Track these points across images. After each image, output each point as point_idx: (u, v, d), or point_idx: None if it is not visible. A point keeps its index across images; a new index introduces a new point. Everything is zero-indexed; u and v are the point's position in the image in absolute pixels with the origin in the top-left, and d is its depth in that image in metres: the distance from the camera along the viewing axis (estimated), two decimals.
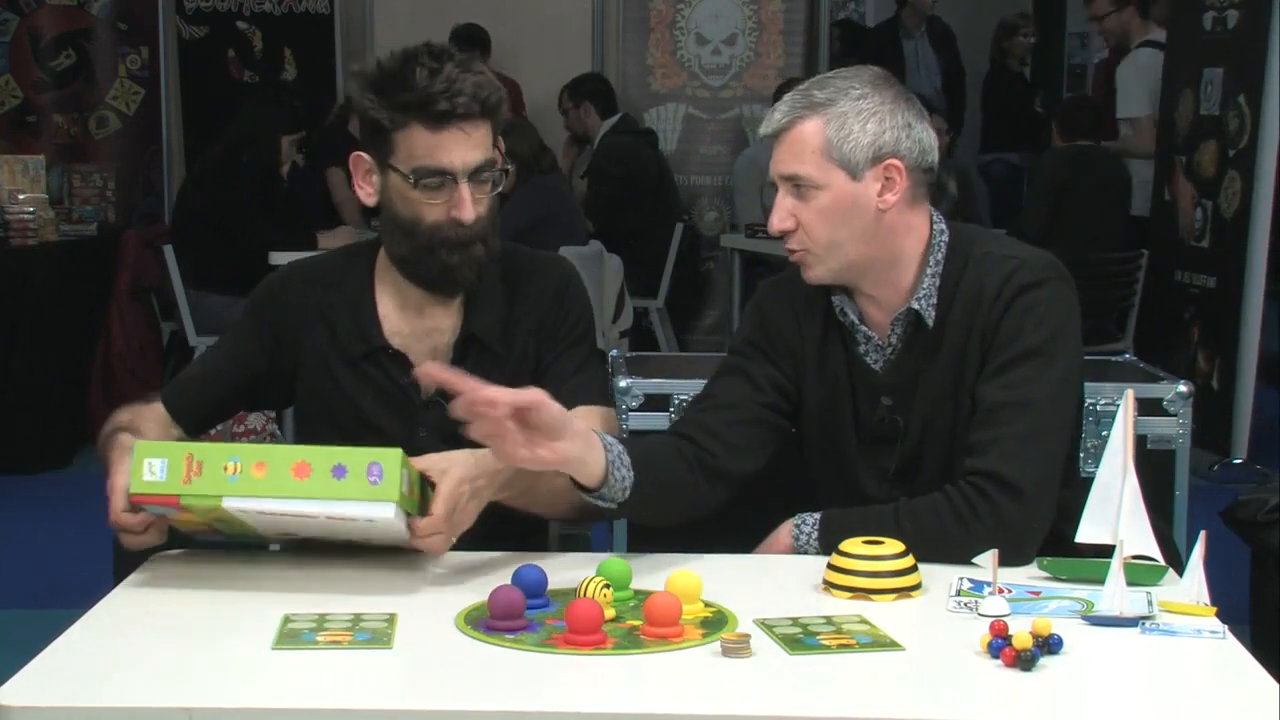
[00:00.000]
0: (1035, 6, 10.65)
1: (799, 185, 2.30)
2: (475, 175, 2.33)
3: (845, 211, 2.29)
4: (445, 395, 2.43)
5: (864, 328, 2.39)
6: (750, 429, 2.38)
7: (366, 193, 2.42)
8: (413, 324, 2.45)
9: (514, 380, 2.44)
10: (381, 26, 7.83)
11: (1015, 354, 2.27)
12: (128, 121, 7.60)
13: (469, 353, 2.44)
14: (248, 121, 6.44)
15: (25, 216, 6.36)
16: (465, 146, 2.31)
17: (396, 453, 2.05)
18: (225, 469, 2.04)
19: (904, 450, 2.37)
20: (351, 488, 2.02)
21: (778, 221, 2.32)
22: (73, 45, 7.51)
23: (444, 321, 2.45)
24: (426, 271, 2.40)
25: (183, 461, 2.05)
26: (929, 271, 2.34)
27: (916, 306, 2.34)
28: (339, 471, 2.03)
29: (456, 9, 7.53)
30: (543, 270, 2.53)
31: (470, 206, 2.33)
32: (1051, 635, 1.81)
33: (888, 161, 2.29)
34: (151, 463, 2.05)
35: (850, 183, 2.29)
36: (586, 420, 2.34)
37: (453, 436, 2.25)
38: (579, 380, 2.45)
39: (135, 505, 2.09)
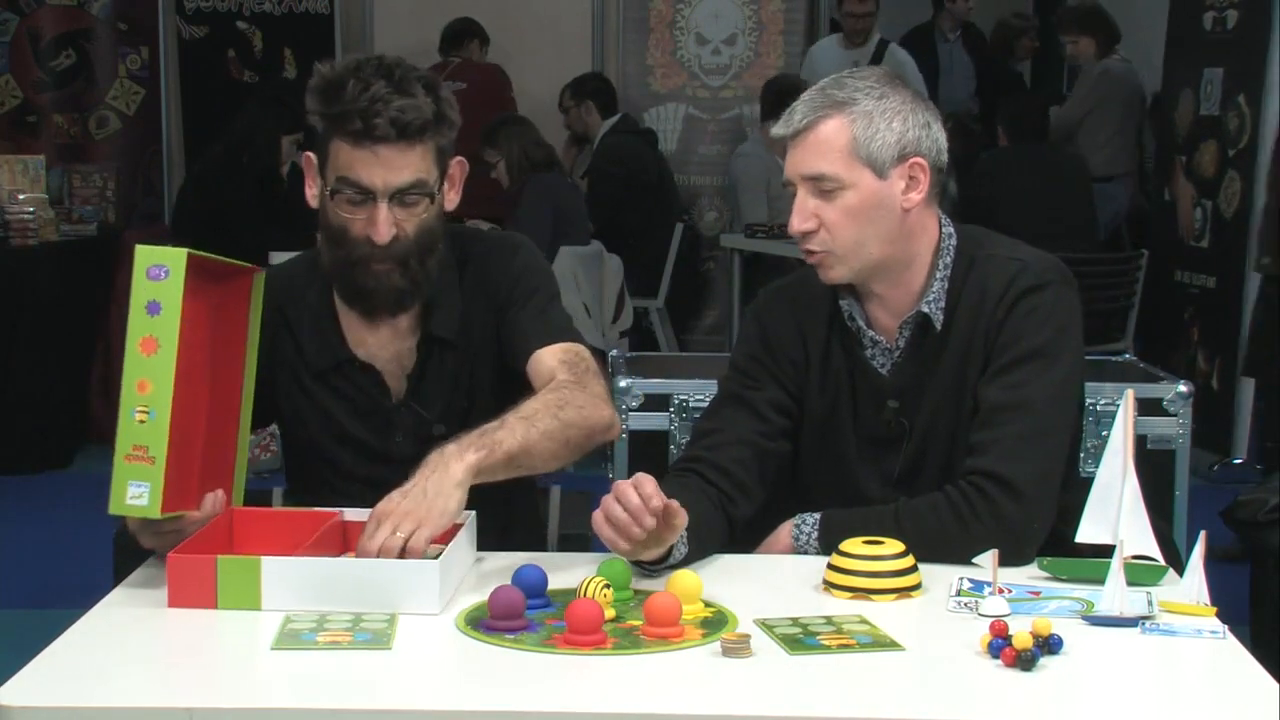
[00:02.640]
0: (1035, 6, 10.63)
1: (823, 185, 2.28)
2: (399, 196, 2.28)
3: (871, 211, 2.27)
4: (416, 399, 2.42)
5: (871, 331, 2.37)
6: (759, 465, 2.37)
7: (311, 194, 2.38)
8: (374, 332, 2.42)
9: (476, 368, 2.42)
10: (381, 26, 7.82)
11: (1017, 355, 2.27)
12: (128, 121, 7.59)
13: (431, 354, 2.42)
14: (248, 121, 6.43)
15: (25, 216, 6.35)
16: (385, 168, 2.26)
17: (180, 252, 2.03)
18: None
19: (908, 453, 2.36)
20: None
21: (799, 223, 2.29)
22: (73, 45, 7.50)
23: (403, 325, 2.41)
24: (344, 286, 2.36)
25: None
26: (938, 274, 2.34)
27: (926, 310, 2.33)
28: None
29: (456, 9, 7.51)
30: (491, 249, 2.48)
31: (384, 228, 2.27)
32: (1051, 635, 1.81)
33: (913, 160, 2.28)
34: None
35: (877, 181, 2.27)
36: (549, 359, 2.33)
37: (427, 439, 2.25)
38: (534, 327, 2.40)
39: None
